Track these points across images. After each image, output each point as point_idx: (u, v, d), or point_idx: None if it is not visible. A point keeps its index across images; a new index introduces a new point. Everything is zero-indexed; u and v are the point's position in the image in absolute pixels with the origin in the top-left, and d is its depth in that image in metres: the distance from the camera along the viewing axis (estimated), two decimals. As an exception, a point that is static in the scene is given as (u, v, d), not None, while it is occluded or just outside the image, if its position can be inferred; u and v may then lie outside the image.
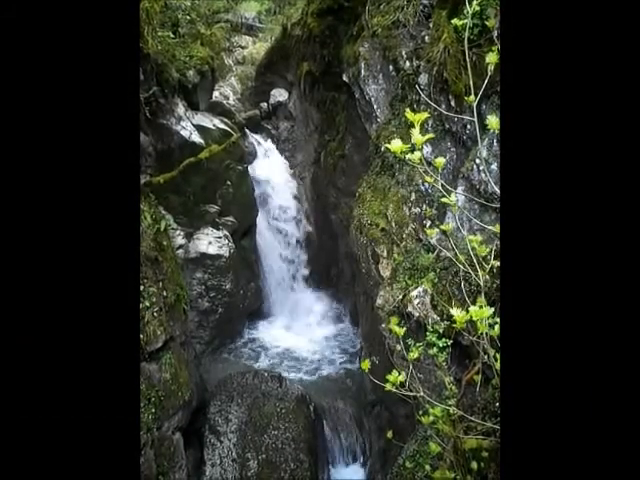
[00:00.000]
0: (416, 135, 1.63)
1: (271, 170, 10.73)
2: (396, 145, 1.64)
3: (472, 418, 2.53)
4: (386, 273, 5.44)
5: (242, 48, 13.91)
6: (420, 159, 1.92)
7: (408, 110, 1.64)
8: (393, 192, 5.62)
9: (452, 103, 4.96)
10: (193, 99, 9.78)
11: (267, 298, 10.19)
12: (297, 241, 10.63)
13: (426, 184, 5.34)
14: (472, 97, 1.91)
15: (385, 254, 5.46)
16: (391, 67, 6.10)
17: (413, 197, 5.44)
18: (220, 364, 8.73)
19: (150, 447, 5.13)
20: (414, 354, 2.40)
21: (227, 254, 9.10)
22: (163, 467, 5.34)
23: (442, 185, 1.94)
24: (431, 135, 1.78)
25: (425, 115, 1.62)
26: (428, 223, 5.12)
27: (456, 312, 1.66)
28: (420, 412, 2.91)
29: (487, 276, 3.09)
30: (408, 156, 1.91)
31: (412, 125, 1.83)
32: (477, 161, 4.68)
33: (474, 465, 3.08)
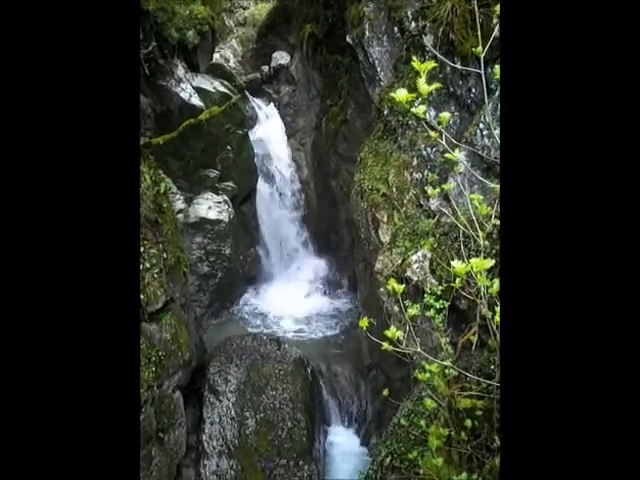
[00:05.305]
0: (422, 85, 1.60)
1: (272, 135, 10.62)
2: (401, 94, 1.61)
3: (468, 374, 2.58)
4: (386, 238, 5.44)
5: (243, 9, 13.55)
6: (424, 113, 1.89)
7: (415, 59, 1.60)
8: (395, 157, 5.57)
9: (458, 65, 4.86)
10: (193, 61, 9.59)
11: (266, 263, 10.24)
12: (297, 207, 10.60)
13: (428, 149, 5.29)
14: (480, 48, 1.87)
15: (385, 219, 5.46)
16: (396, 28, 5.96)
17: (415, 162, 5.39)
18: (219, 327, 8.84)
19: (150, 404, 5.24)
20: (412, 311, 2.42)
21: (227, 219, 9.09)
22: (163, 424, 5.47)
23: (446, 139, 1.91)
24: (438, 85, 1.74)
25: (432, 64, 1.58)
26: (429, 189, 5.09)
27: (457, 264, 1.66)
28: (416, 370, 2.96)
29: (487, 242, 3.09)
30: (412, 110, 1.88)
31: (416, 88, 1.79)
32: (481, 125, 4.62)
33: (468, 423, 3.14)
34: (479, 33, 2.12)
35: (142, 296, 5.28)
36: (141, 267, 5.38)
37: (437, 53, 4.31)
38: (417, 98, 1.76)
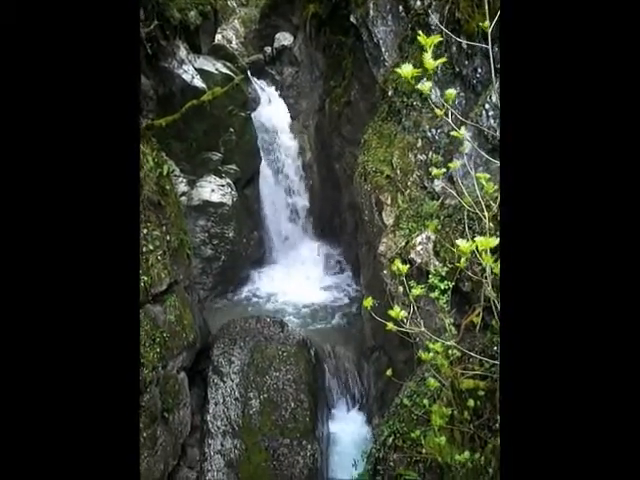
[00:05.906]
0: (428, 59, 1.57)
1: (275, 118, 10.53)
2: (407, 70, 1.58)
3: (472, 354, 2.58)
4: (389, 221, 5.43)
5: (246, -12, 13.33)
6: (430, 89, 1.86)
7: (421, 33, 1.57)
8: (399, 138, 5.52)
9: (463, 45, 4.78)
10: (195, 42, 9.47)
11: (270, 247, 10.24)
12: (300, 191, 10.56)
13: (433, 130, 5.24)
14: (487, 23, 1.83)
15: (389, 201, 5.43)
16: (401, 7, 5.86)
17: (419, 144, 5.35)
18: (223, 310, 8.89)
19: (155, 385, 5.29)
20: (417, 291, 2.41)
21: (230, 202, 9.07)
22: (168, 404, 5.53)
23: (452, 116, 1.89)
24: (443, 59, 1.71)
25: (438, 38, 1.55)
26: (434, 169, 5.06)
27: (461, 242, 1.65)
28: (420, 350, 2.97)
29: (492, 223, 3.07)
30: (418, 86, 1.85)
31: (421, 64, 1.76)
32: (487, 106, 4.56)
33: (471, 403, 3.17)
34: (486, 10, 2.07)
35: (146, 278, 5.29)
36: (145, 249, 5.39)
37: (444, 28, 4.24)
38: (423, 75, 1.73)
